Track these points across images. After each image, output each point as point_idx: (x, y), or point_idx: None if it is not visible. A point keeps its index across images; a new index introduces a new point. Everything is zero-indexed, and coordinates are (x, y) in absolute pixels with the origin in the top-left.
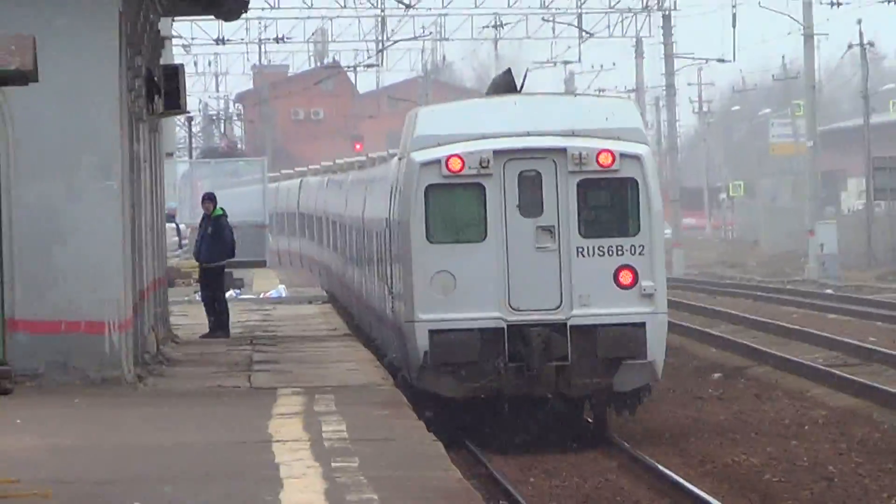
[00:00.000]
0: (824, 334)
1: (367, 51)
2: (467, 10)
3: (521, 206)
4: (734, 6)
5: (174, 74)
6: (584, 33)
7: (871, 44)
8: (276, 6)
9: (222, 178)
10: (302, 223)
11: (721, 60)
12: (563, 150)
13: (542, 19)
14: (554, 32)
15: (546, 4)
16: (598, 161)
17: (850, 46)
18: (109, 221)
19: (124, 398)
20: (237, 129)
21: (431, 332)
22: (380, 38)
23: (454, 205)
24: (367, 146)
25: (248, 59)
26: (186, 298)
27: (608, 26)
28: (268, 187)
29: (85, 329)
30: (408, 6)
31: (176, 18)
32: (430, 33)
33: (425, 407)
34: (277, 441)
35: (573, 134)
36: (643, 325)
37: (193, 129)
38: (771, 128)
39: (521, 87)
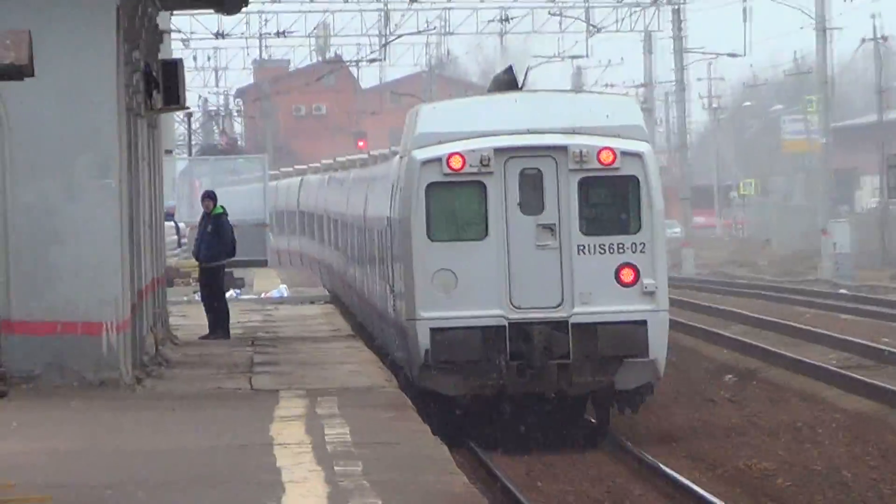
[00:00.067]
0: (838, 335)
1: (371, 45)
2: (473, 4)
3: (522, 203)
4: (746, 0)
5: (173, 69)
6: (592, 27)
7: (886, 38)
8: (277, 0)
9: (222, 176)
10: (302, 222)
11: (732, 55)
12: (564, 148)
13: (549, 13)
14: (561, 27)
15: None
16: (599, 159)
17: (863, 41)
18: (107, 220)
19: (122, 401)
20: (237, 126)
21: (433, 330)
22: (383, 32)
23: (455, 203)
24: (370, 143)
25: (248, 54)
26: (186, 298)
27: (617, 20)
28: (268, 185)
29: (82, 330)
30: None
31: (175, 12)
32: (435, 27)
33: (427, 406)
34: (279, 445)
35: (574, 131)
36: (644, 322)
37: (193, 126)
38: (783, 124)
39: (523, 84)
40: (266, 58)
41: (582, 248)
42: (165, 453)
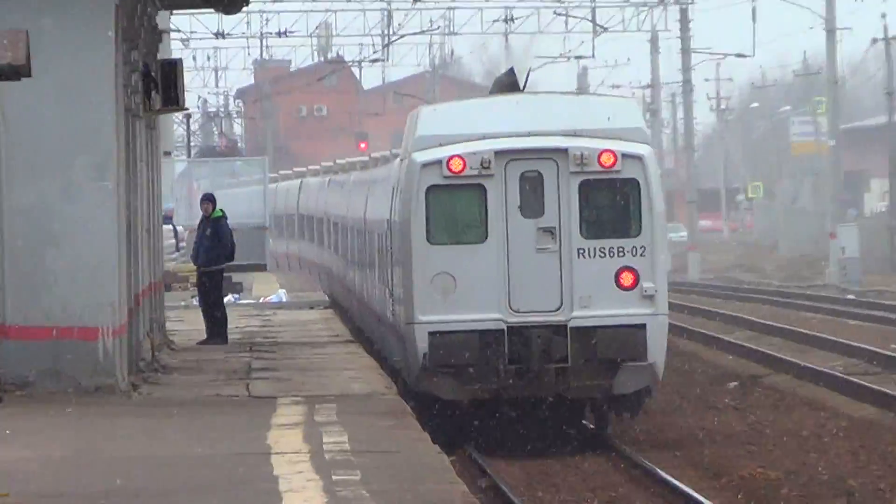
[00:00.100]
0: (845, 341)
1: (373, 45)
2: (477, 4)
3: (523, 206)
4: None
5: (172, 69)
6: (597, 27)
7: None
8: None
9: (221, 178)
10: (302, 225)
11: (740, 55)
12: (565, 151)
13: (555, 13)
14: (567, 26)
15: None
16: (599, 161)
17: (874, 41)
18: (104, 223)
19: (118, 407)
20: (237, 127)
21: (431, 333)
22: (386, 31)
23: (455, 206)
24: (372, 144)
25: (248, 54)
26: (183, 303)
27: (623, 20)
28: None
29: (78, 335)
30: None
31: (174, 11)
32: (438, 27)
33: (425, 410)
34: (276, 453)
35: (575, 134)
36: (644, 326)
37: (192, 127)
38: (791, 126)
39: (524, 86)
40: (267, 58)
41: (582, 251)
42: (162, 461)
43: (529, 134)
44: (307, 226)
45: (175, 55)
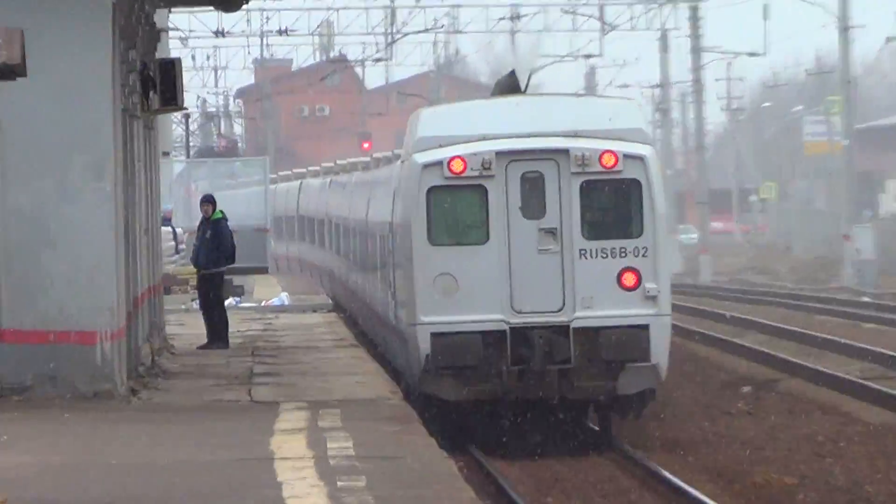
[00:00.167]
0: (860, 345)
1: (376, 44)
2: (482, 1)
3: (524, 207)
4: None
5: (171, 69)
6: (606, 26)
7: None
8: None
9: (220, 179)
10: (302, 227)
11: (752, 54)
12: (566, 151)
13: (562, 11)
14: (574, 25)
15: None
16: (601, 162)
17: (888, 40)
18: (102, 225)
19: (117, 413)
20: (237, 127)
21: (433, 334)
22: (389, 30)
23: (456, 207)
24: (376, 145)
25: (249, 53)
26: (183, 307)
27: (632, 18)
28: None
29: (75, 339)
30: None
31: (173, 9)
32: (443, 25)
33: (428, 411)
34: (280, 459)
35: (576, 135)
36: (647, 327)
37: (191, 127)
38: (804, 126)
39: (526, 87)
40: (267, 57)
41: (584, 252)
42: (162, 468)
43: (530, 135)
44: (308, 227)
45: (174, 54)
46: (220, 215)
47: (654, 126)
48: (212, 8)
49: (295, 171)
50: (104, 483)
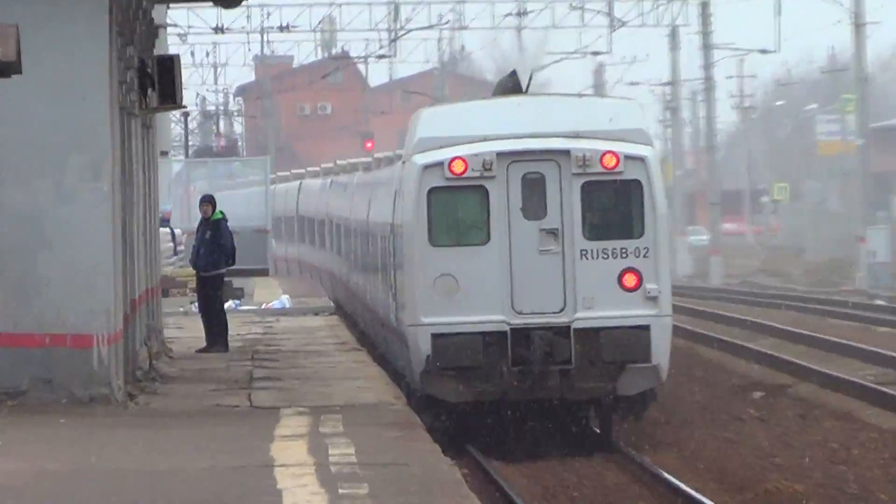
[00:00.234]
0: (874, 349)
1: (380, 40)
2: None
3: (525, 208)
4: None
5: (169, 66)
6: (615, 21)
7: None
8: None
9: (220, 179)
10: (302, 228)
11: (764, 51)
12: (567, 152)
13: (570, 6)
14: (582, 20)
15: None
16: (602, 163)
17: None
18: (99, 226)
19: (114, 418)
20: (237, 126)
21: (434, 335)
22: (393, 26)
23: (457, 207)
24: (379, 144)
25: (249, 50)
26: (182, 309)
27: (641, 14)
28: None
29: (71, 343)
30: None
31: (171, 5)
32: (448, 21)
33: (428, 412)
34: (280, 465)
35: (577, 135)
36: (647, 327)
37: (190, 126)
38: (818, 125)
39: (527, 88)
40: (268, 54)
41: (585, 252)
42: (160, 474)
43: (531, 135)
44: (308, 229)
45: (172, 51)
46: (219, 216)
47: (663, 125)
48: (211, 4)
49: (293, 171)
50: (102, 490)
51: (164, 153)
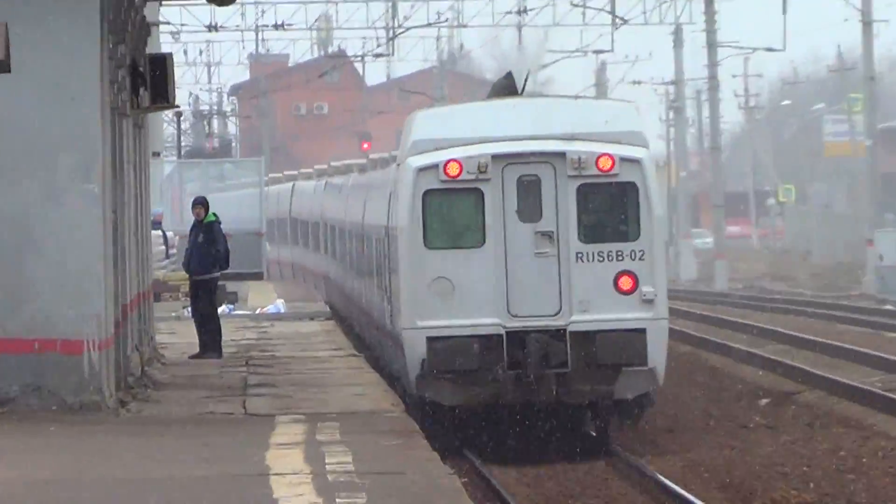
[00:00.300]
0: (883, 355)
1: (377, 39)
2: None
3: (520, 211)
4: None
5: (162, 65)
6: (617, 19)
7: None
8: None
9: (213, 181)
10: (295, 231)
11: (770, 50)
12: (563, 155)
13: (572, 4)
14: (584, 18)
15: None
16: (597, 165)
17: None
18: (89, 228)
19: (105, 426)
20: (231, 126)
21: (429, 339)
22: (390, 24)
23: (452, 210)
24: (376, 144)
25: (243, 48)
26: (174, 314)
27: (644, 12)
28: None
29: (61, 348)
30: None
31: (164, 3)
32: (447, 19)
33: (423, 416)
34: (276, 474)
35: (573, 138)
36: (643, 331)
37: (183, 126)
38: (825, 125)
39: (523, 89)
40: (263, 52)
41: (580, 255)
42: (152, 483)
43: (527, 138)
44: (301, 231)
45: (165, 49)
46: (213, 218)
47: (667, 125)
48: (205, 1)
49: (286, 173)
50: (93, 499)
51: (156, 154)
